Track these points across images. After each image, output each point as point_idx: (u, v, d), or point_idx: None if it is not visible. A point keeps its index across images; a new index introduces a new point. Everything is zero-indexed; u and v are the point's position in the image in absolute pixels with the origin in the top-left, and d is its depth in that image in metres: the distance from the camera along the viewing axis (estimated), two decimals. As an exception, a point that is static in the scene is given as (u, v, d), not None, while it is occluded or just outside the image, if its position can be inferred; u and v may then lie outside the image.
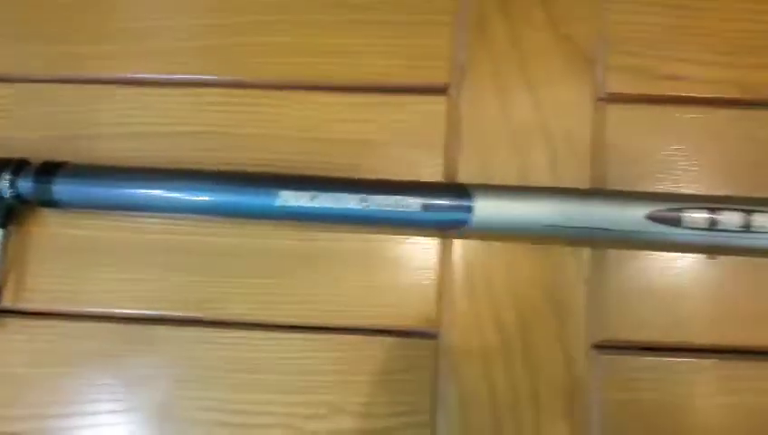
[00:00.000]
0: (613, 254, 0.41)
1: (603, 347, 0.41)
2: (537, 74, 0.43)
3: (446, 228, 0.40)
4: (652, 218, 0.38)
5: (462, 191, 0.39)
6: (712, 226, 0.38)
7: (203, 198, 0.40)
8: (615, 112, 0.42)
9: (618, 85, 0.43)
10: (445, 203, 0.39)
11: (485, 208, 0.39)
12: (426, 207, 0.39)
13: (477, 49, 0.43)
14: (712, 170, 0.42)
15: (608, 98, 0.42)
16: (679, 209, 0.38)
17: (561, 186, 0.41)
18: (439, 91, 0.43)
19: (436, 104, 0.43)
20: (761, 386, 0.40)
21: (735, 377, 0.40)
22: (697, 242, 0.38)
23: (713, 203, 0.38)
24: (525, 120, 0.42)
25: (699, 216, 0.38)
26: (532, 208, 0.39)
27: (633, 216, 0.38)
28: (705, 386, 0.40)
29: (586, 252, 0.41)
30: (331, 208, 0.39)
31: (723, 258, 0.41)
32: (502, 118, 0.43)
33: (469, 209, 0.39)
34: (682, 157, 0.42)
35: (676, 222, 0.38)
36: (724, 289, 0.41)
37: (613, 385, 0.40)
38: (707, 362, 0.40)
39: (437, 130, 0.43)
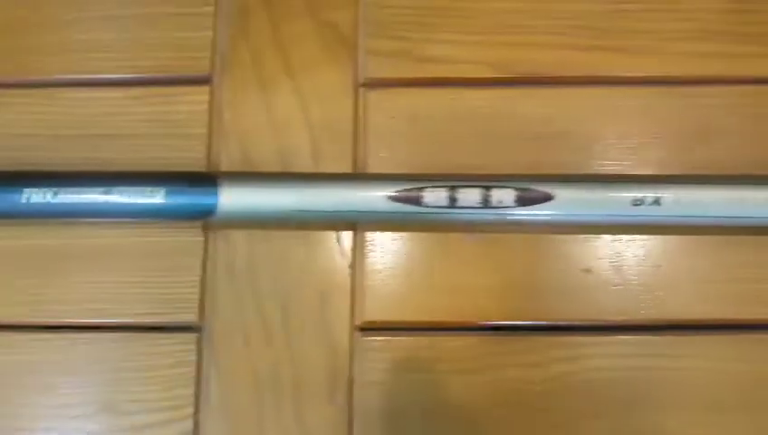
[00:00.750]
0: (376, 237, 0.41)
1: (368, 329, 0.41)
2: (298, 62, 0.43)
3: (193, 217, 0.40)
4: (394, 199, 0.38)
5: (208, 180, 0.39)
6: (452, 204, 0.38)
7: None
8: (376, 97, 0.43)
9: (378, 70, 0.43)
10: (190, 192, 0.39)
11: (232, 196, 0.39)
12: (170, 197, 0.38)
13: (239, 39, 0.43)
14: (476, 148, 0.42)
15: (369, 83, 0.43)
16: (420, 189, 0.38)
17: (325, 169, 0.42)
18: (202, 81, 0.43)
19: (200, 95, 0.43)
20: (521, 360, 0.40)
21: (496, 353, 0.40)
22: (441, 220, 0.39)
23: (452, 181, 0.38)
24: (286, 108, 0.43)
25: (439, 194, 0.38)
26: (279, 195, 0.39)
27: (376, 197, 0.38)
28: (470, 362, 0.40)
29: (349, 236, 0.41)
30: (74, 203, 0.38)
31: (489, 237, 0.41)
32: (263, 107, 0.43)
33: (215, 198, 0.38)
34: (445, 138, 0.42)
35: (417, 201, 0.38)
36: (483, 267, 0.41)
37: (378, 367, 0.40)
38: (472, 340, 0.41)
39: (200, 120, 0.43)
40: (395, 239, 0.41)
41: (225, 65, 0.43)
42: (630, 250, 0.41)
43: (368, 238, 0.41)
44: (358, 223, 0.41)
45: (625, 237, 0.41)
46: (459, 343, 0.40)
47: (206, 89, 0.43)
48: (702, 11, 0.43)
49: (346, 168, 0.42)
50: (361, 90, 0.43)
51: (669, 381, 0.39)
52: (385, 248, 0.41)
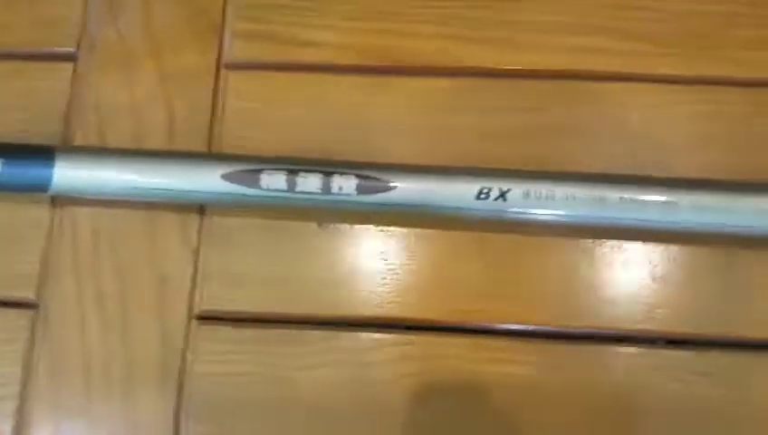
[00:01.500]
0: (224, 222, 0.40)
1: (206, 318, 0.39)
2: (164, 43, 0.42)
3: (31, 190, 0.39)
4: (229, 179, 0.37)
5: (45, 152, 0.38)
6: (291, 188, 0.37)
7: None
8: (238, 79, 0.42)
9: (243, 52, 0.42)
10: (26, 164, 0.38)
11: (68, 170, 0.38)
12: (8, 168, 0.38)
13: (108, 18, 0.43)
14: (335, 135, 0.41)
15: (232, 65, 0.42)
16: (257, 171, 0.37)
17: (181, 147, 0.41)
18: (67, 58, 0.43)
19: (63, 72, 0.42)
20: (365, 357, 0.38)
21: (340, 349, 0.38)
22: (278, 204, 0.37)
23: (291, 165, 0.37)
24: (147, 88, 0.42)
25: (278, 177, 0.37)
26: (115, 171, 0.38)
27: (210, 176, 0.37)
28: (311, 358, 0.38)
29: (195, 220, 0.40)
30: None
31: (335, 227, 0.39)
32: (125, 86, 0.42)
33: (51, 171, 0.37)
34: (304, 123, 0.41)
35: (254, 183, 0.37)
36: (334, 259, 0.39)
37: (213, 359, 0.38)
38: (315, 334, 0.39)
39: (62, 97, 0.42)
40: (243, 226, 0.40)
41: (92, 44, 0.43)
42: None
43: (214, 223, 0.40)
44: (205, 205, 0.40)
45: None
46: (300, 337, 0.38)
47: (70, 66, 0.42)
48: (584, 5, 0.42)
49: (200, 149, 0.41)
50: (223, 72, 0.42)
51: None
52: (232, 235, 0.40)
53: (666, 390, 0.37)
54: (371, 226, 0.39)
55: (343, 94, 0.41)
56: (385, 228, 0.39)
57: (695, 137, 0.40)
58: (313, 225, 0.39)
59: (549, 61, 0.41)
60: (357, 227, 0.39)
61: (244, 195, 0.37)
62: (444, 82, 0.41)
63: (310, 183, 0.36)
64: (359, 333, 0.38)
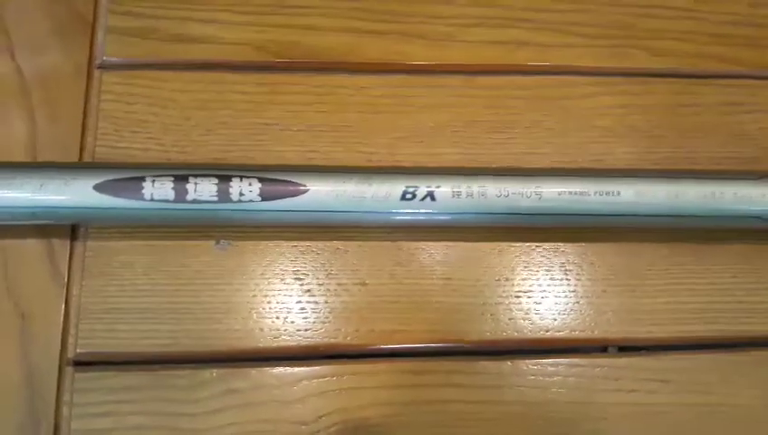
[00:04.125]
0: (100, 246, 0.33)
1: (84, 364, 0.32)
2: (26, 39, 0.36)
3: None
4: (103, 190, 0.31)
5: None
6: (180, 197, 0.31)
7: None
8: (114, 80, 0.36)
9: (119, 50, 0.36)
10: None
11: None
12: None
13: (-47, 13, 0.36)
14: (231, 138, 0.35)
15: (107, 65, 0.36)
16: (138, 179, 0.31)
17: (46, 160, 0.34)
18: None
19: None
20: (273, 398, 0.32)
21: (246, 389, 0.32)
22: (167, 218, 0.31)
23: (180, 170, 0.31)
24: (4, 94, 0.35)
25: (163, 186, 0.31)
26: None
27: (80, 189, 0.30)
28: (212, 402, 0.32)
29: (64, 246, 0.33)
30: None
31: (236, 246, 0.34)
32: (-22, 90, 0.35)
33: None
34: (196, 127, 0.35)
35: (135, 194, 0.30)
36: (236, 282, 0.33)
37: (94, 411, 0.31)
38: (217, 374, 0.32)
39: None
40: (125, 250, 0.33)
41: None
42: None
43: (89, 248, 0.33)
44: (77, 226, 0.33)
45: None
46: (197, 379, 0.32)
47: None
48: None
49: (73, 156, 0.34)
50: (97, 72, 0.36)
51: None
52: (112, 261, 0.33)
53: (623, 399, 0.33)
54: (281, 241, 0.34)
55: (239, 94, 0.36)
56: (298, 243, 0.34)
57: (620, 127, 0.37)
58: (210, 243, 0.34)
59: (466, 55, 0.38)
60: (264, 243, 0.34)
61: (123, 208, 0.31)
62: (351, 80, 0.37)
63: (203, 190, 0.31)
64: (268, 369, 0.32)
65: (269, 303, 0.33)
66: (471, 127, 0.36)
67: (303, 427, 0.32)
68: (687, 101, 0.38)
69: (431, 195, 0.32)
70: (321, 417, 0.32)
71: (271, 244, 0.34)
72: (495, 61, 0.38)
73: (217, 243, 0.34)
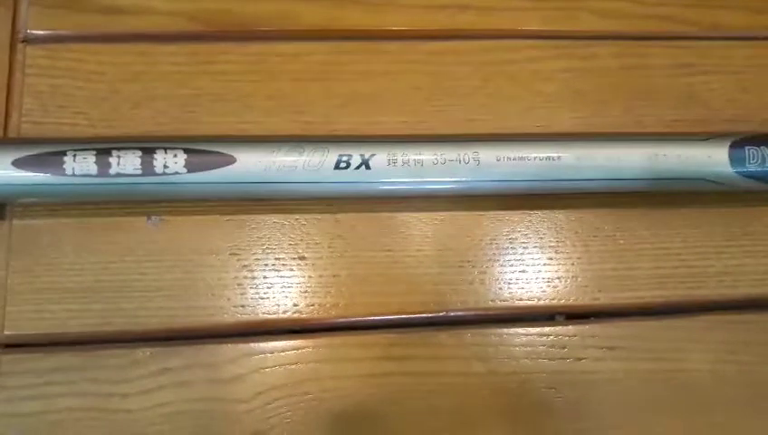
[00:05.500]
0: (26, 226, 0.32)
1: (12, 346, 0.31)
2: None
3: None
4: (23, 165, 0.29)
5: None
6: (103, 171, 0.30)
7: None
8: (39, 54, 0.34)
9: (44, 23, 0.35)
10: None
11: None
12: None
13: None
14: (163, 111, 0.34)
15: (31, 38, 0.34)
16: (59, 153, 0.30)
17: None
18: None
19: None
20: (209, 376, 0.31)
21: (180, 368, 0.31)
22: (90, 193, 0.30)
23: (101, 144, 0.30)
24: None
25: (85, 159, 0.29)
26: None
27: (-1, 164, 0.29)
28: (146, 381, 0.31)
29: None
30: None
31: (168, 221, 0.33)
32: None
33: None
34: (127, 100, 0.34)
35: (56, 169, 0.29)
36: (169, 259, 0.32)
37: (25, 392, 0.30)
38: (150, 352, 0.31)
39: None
40: (52, 228, 0.32)
41: None
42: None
43: (15, 228, 0.32)
44: (3, 207, 0.32)
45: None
46: (130, 359, 0.31)
47: None
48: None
49: (-3, 133, 0.33)
50: (20, 46, 0.34)
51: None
52: (39, 240, 0.32)
53: (571, 367, 0.32)
54: (217, 215, 0.33)
55: (171, 65, 0.35)
56: (234, 216, 0.33)
57: (566, 92, 0.36)
58: (142, 219, 0.32)
59: (404, 20, 0.37)
60: (198, 217, 0.33)
61: (44, 184, 0.29)
62: (286, 47, 0.36)
63: (126, 163, 0.30)
64: (204, 347, 0.31)
65: (204, 279, 0.32)
66: (410, 94, 0.35)
67: (242, 405, 0.31)
68: (635, 64, 0.38)
69: (366, 163, 0.31)
70: (259, 394, 0.31)
71: (206, 218, 0.33)
72: (435, 26, 0.37)
73: (149, 219, 0.33)
